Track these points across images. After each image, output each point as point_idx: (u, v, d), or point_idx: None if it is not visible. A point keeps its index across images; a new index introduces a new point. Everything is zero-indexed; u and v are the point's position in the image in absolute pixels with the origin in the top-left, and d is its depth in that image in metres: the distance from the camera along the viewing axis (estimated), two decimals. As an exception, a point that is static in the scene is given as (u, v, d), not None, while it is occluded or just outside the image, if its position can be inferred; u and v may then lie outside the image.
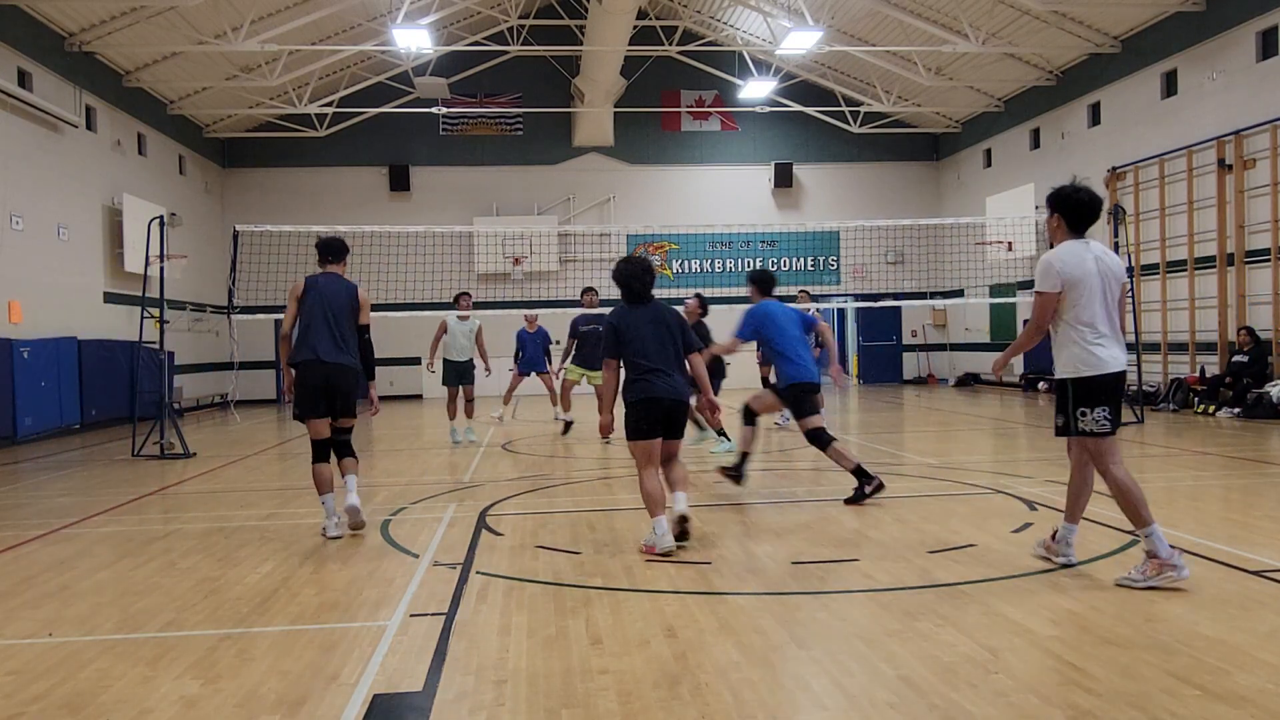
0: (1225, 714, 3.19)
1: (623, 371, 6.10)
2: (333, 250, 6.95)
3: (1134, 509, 4.82)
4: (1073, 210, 4.98)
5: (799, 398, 7.56)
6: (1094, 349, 4.83)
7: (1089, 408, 4.85)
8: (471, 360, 12.12)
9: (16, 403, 13.57)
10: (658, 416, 5.91)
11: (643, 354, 5.95)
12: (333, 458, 6.56)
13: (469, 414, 12.25)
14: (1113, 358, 4.87)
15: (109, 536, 6.74)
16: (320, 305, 6.52)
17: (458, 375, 12.07)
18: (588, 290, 12.92)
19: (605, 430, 6.75)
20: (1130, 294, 13.77)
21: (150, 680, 3.76)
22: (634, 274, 6.26)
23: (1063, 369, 4.94)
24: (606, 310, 9.11)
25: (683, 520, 5.83)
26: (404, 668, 3.83)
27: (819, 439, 7.44)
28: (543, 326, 14.00)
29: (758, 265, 24.16)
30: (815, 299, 23.75)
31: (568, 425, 12.90)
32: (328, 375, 6.43)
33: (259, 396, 22.72)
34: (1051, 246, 5.07)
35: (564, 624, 4.35)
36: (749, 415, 7.89)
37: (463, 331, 11.97)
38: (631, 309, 6.20)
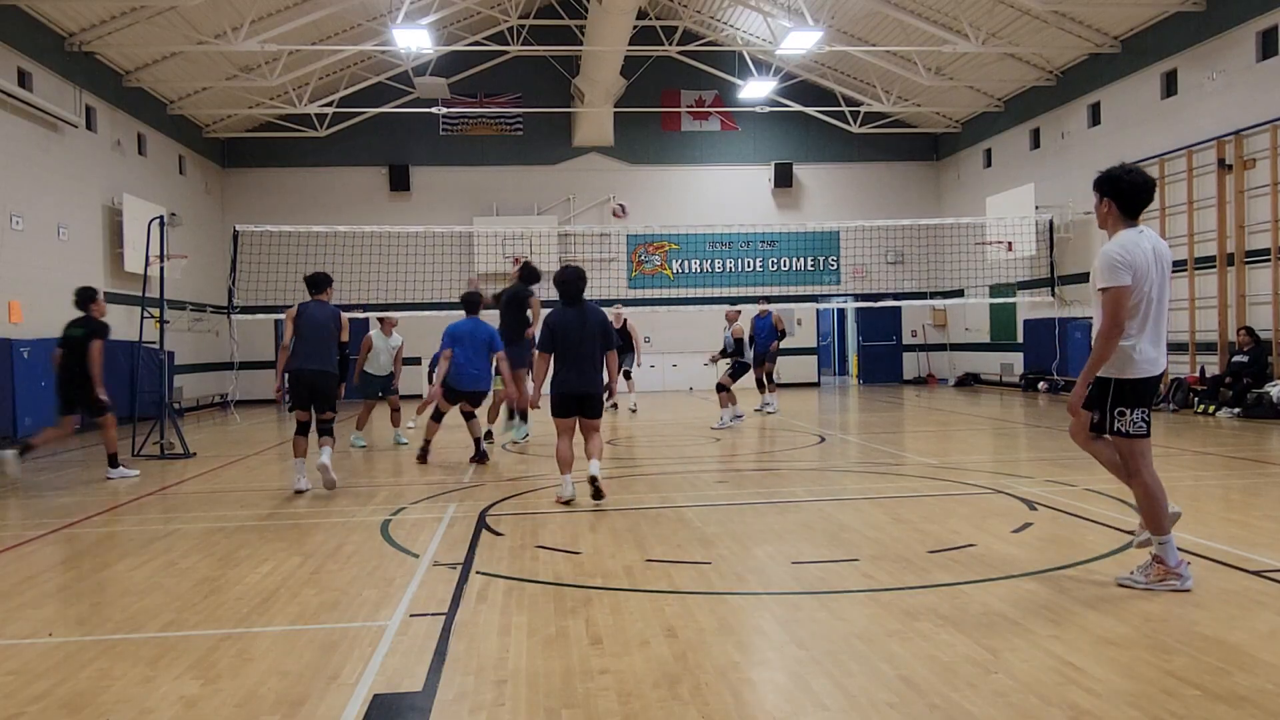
0: (1225, 714, 3.19)
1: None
2: (316, 284, 8.75)
3: (1157, 516, 4.69)
4: (1127, 194, 4.67)
5: None
6: (1142, 348, 4.62)
7: (1129, 408, 4.66)
8: (391, 374, 12.85)
9: (16, 403, 13.57)
10: (572, 402, 7.53)
11: (569, 349, 7.45)
12: (314, 438, 8.48)
13: (394, 422, 12.81)
14: (1157, 359, 4.69)
15: (109, 536, 6.74)
16: (308, 325, 8.42)
17: (379, 388, 12.73)
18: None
19: (530, 405, 8.83)
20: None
21: (150, 680, 3.76)
22: (569, 280, 7.62)
23: (1106, 367, 4.68)
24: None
25: (593, 480, 7.31)
26: (404, 668, 3.83)
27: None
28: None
29: (758, 265, 24.42)
30: (816, 299, 23.85)
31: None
32: (311, 379, 8.45)
33: (259, 396, 22.69)
34: (1108, 235, 4.74)
35: (564, 624, 4.35)
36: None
37: (385, 349, 12.71)
38: (565, 310, 7.56)
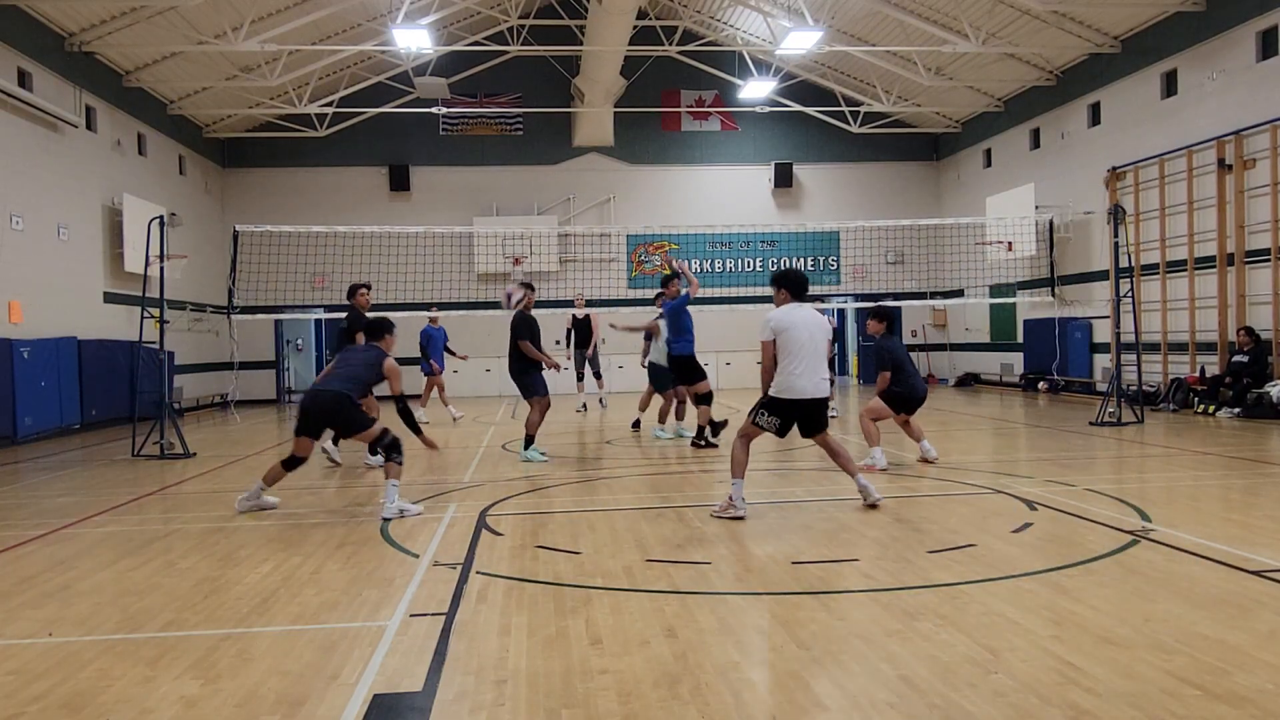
0: (1225, 714, 3.19)
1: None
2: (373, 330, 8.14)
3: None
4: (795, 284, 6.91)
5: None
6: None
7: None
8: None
9: (16, 403, 13.57)
10: None
11: None
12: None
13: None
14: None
15: (109, 536, 6.74)
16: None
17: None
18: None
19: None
20: (1130, 294, 13.77)
21: (150, 680, 3.76)
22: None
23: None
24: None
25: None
26: (404, 668, 3.83)
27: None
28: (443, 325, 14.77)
29: (758, 265, 24.43)
30: (816, 299, 23.82)
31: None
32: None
33: (259, 396, 22.73)
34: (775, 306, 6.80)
35: (564, 624, 4.35)
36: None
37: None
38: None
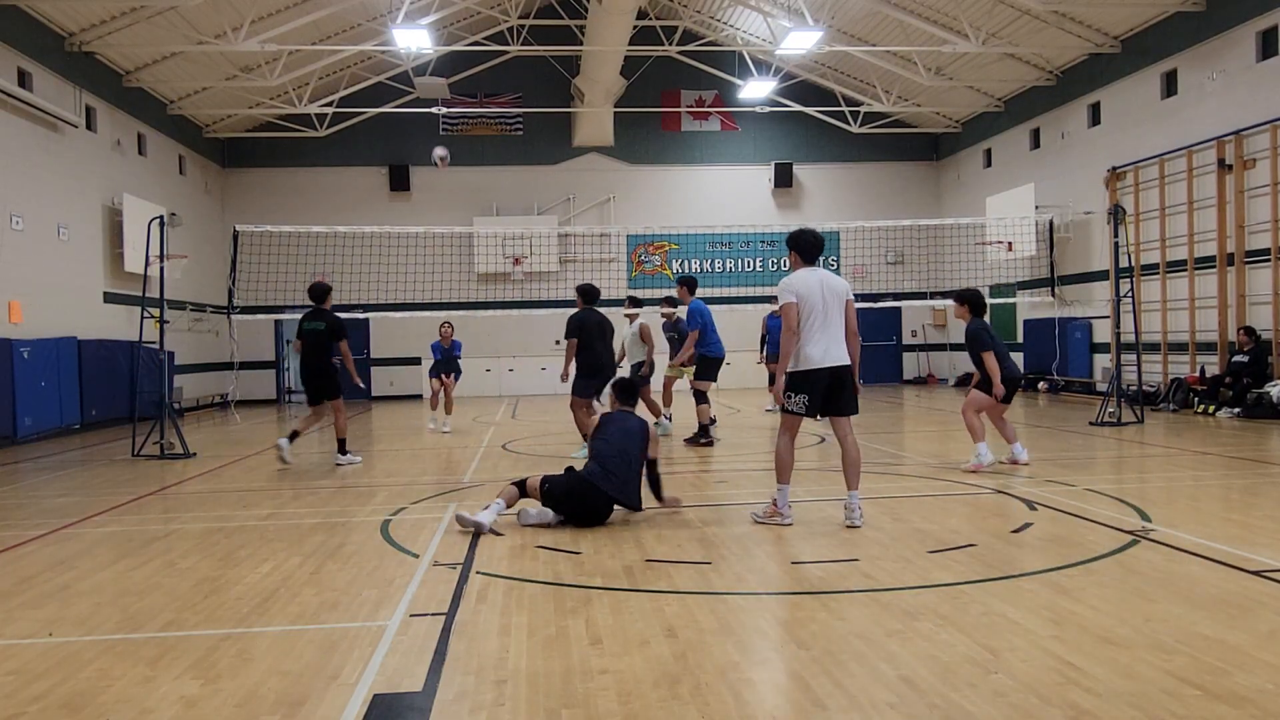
0: (1225, 714, 3.19)
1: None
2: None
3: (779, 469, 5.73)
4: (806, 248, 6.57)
5: None
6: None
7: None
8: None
9: (16, 403, 13.57)
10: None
11: None
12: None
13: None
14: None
15: (109, 536, 6.74)
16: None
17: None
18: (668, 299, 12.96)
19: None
20: (1130, 294, 13.77)
21: (150, 680, 3.76)
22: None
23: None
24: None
25: None
26: (404, 668, 3.83)
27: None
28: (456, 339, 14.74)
29: (758, 265, 24.43)
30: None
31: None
32: None
33: (259, 396, 22.73)
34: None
35: (564, 624, 4.35)
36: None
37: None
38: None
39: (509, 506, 6.60)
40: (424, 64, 21.72)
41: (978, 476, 8.52)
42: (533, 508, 6.60)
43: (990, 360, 8.81)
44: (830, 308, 6.36)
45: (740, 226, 22.38)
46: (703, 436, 11.35)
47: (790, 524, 6.46)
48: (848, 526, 6.35)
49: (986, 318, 9.56)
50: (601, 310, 10.63)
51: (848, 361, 6.45)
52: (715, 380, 11.68)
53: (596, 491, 6.48)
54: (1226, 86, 14.82)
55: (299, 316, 10.72)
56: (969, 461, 8.86)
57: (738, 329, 21.75)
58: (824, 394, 6.39)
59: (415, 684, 3.65)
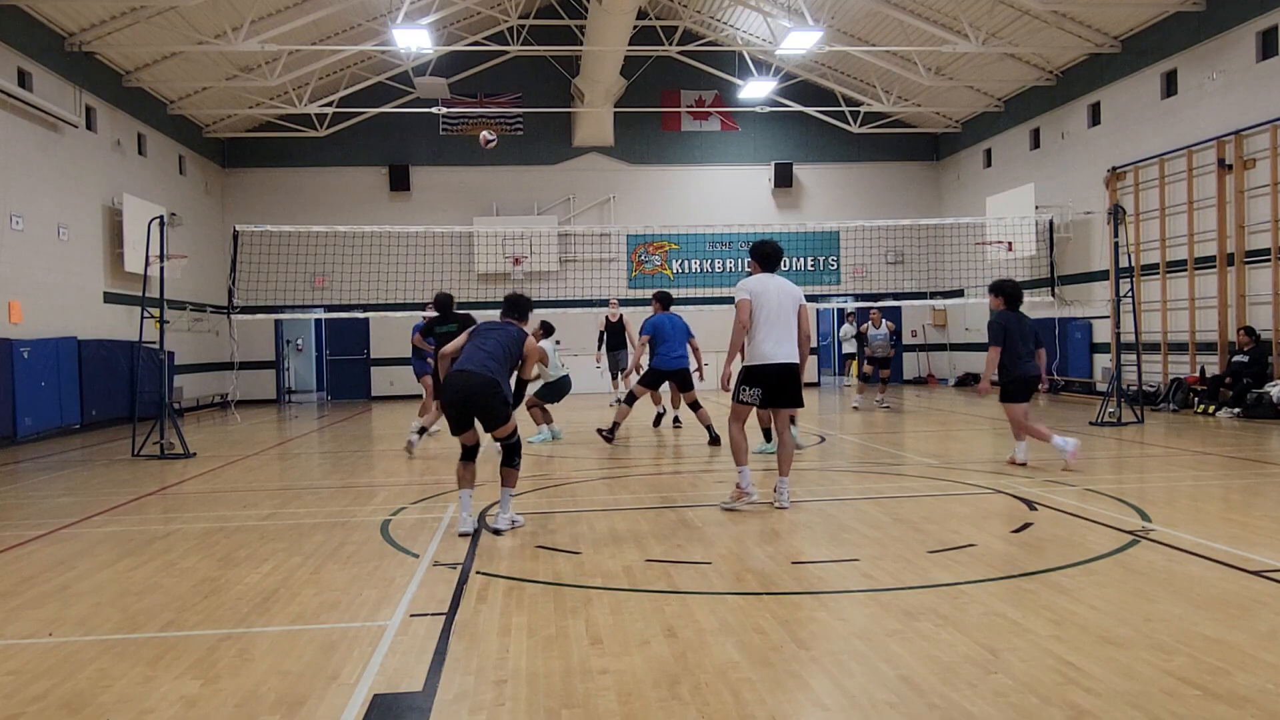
0: (1225, 714, 3.19)
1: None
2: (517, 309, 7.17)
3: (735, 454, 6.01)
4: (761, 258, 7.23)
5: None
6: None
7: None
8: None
9: (16, 403, 13.57)
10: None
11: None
12: None
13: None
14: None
15: (109, 536, 6.74)
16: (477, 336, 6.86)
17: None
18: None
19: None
20: (1130, 294, 13.77)
21: (150, 680, 3.76)
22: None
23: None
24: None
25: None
26: (404, 668, 3.83)
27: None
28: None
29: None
30: (816, 299, 23.83)
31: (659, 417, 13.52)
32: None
33: (259, 396, 22.72)
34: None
35: (564, 624, 4.35)
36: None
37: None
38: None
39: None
40: (424, 64, 21.73)
41: (979, 476, 8.52)
42: (464, 505, 6.57)
43: (991, 356, 9.01)
44: (784, 309, 6.99)
45: (740, 226, 22.38)
46: (608, 432, 11.70)
47: (754, 498, 7.03)
48: (777, 508, 7.00)
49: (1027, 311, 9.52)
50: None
51: (797, 359, 7.05)
52: (654, 389, 12.18)
53: (466, 376, 6.37)
54: (1226, 86, 14.82)
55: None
56: (1064, 451, 8.72)
57: (738, 329, 21.78)
58: (777, 389, 7.00)
59: (415, 684, 3.65)
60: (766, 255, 7.24)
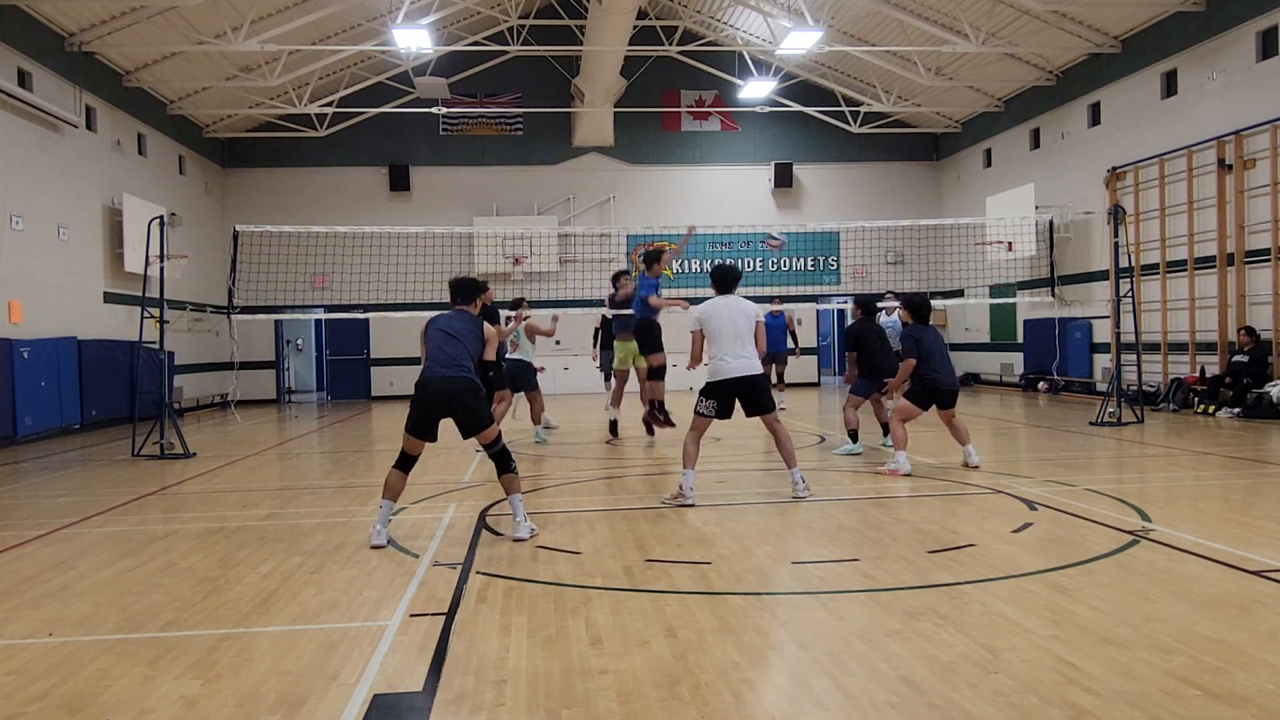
0: (1225, 714, 3.19)
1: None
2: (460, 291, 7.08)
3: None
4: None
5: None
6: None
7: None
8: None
9: (16, 403, 13.57)
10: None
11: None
12: None
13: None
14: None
15: (109, 536, 6.74)
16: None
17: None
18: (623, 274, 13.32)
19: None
20: (1130, 294, 13.77)
21: (150, 680, 3.76)
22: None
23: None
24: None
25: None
26: (404, 668, 3.83)
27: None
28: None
29: (758, 265, 24.42)
30: (816, 299, 23.85)
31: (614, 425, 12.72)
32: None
33: (259, 396, 22.72)
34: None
35: (564, 624, 4.35)
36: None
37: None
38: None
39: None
40: (424, 64, 21.72)
41: (979, 476, 8.51)
42: (381, 516, 6.23)
43: (904, 368, 9.14)
44: (740, 327, 7.42)
45: (740, 226, 22.37)
46: (659, 413, 11.66)
47: (692, 504, 7.25)
48: (794, 498, 7.39)
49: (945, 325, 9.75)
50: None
51: (759, 371, 7.48)
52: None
53: (448, 382, 6.24)
54: (1226, 86, 14.82)
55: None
56: (886, 466, 8.92)
57: (738, 329, 21.78)
58: (744, 400, 7.44)
59: (415, 684, 3.65)
60: (721, 278, 7.74)
